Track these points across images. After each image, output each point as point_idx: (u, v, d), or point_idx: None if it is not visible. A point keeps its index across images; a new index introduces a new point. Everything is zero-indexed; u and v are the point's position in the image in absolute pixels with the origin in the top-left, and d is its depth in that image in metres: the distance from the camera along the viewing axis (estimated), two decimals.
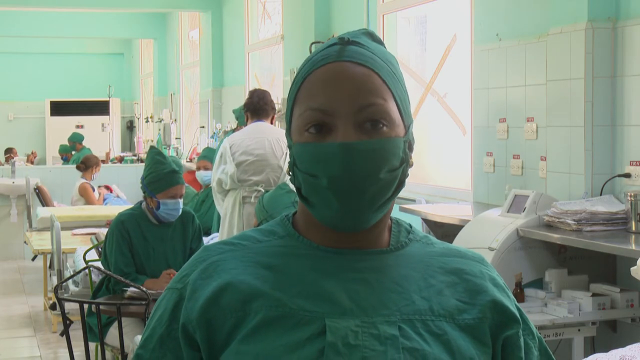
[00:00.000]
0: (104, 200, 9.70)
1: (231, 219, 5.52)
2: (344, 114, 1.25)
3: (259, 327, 1.23)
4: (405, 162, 1.28)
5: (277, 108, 7.83)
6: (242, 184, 5.53)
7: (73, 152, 12.93)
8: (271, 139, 5.68)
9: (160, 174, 4.68)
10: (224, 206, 5.64)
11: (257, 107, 5.80)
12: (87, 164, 9.70)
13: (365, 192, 1.24)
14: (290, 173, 1.31)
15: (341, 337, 1.22)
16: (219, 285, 1.26)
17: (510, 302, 1.33)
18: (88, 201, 9.50)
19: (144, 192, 4.74)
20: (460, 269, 1.33)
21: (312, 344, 1.22)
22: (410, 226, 1.38)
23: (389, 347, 1.22)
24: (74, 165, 10.30)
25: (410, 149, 1.30)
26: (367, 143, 1.24)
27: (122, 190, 10.28)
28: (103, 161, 12.61)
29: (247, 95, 6.00)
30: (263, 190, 5.36)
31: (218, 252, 1.32)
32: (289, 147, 1.31)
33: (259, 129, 5.72)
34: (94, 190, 9.62)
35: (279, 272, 1.28)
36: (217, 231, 6.64)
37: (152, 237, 4.72)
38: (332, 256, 1.29)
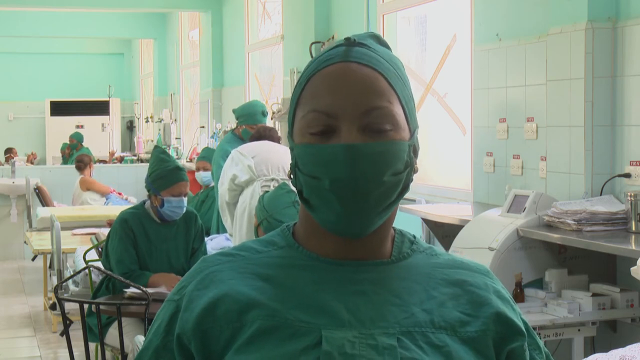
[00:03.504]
0: (106, 199, 9.73)
1: (250, 211, 5.45)
2: (349, 116, 1.22)
3: (255, 337, 1.21)
4: (410, 167, 1.26)
5: (276, 108, 7.87)
6: (260, 174, 5.47)
7: (74, 151, 12.96)
8: (282, 145, 5.73)
9: (165, 171, 4.70)
10: (240, 201, 5.55)
11: (262, 134, 5.83)
12: (83, 162, 9.94)
13: (368, 195, 1.21)
14: (292, 175, 1.28)
15: (337, 346, 1.19)
16: (215, 296, 1.24)
17: (515, 315, 1.30)
18: (97, 189, 9.61)
19: (148, 191, 4.75)
20: (464, 280, 1.30)
21: (307, 354, 1.19)
22: (415, 237, 1.35)
23: (387, 357, 1.20)
24: (74, 165, 10.36)
25: (415, 153, 1.28)
26: (372, 145, 1.21)
27: (121, 190, 10.28)
28: (105, 161, 12.67)
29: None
30: (280, 181, 5.32)
31: (216, 263, 1.29)
32: (291, 149, 1.28)
33: (266, 141, 5.73)
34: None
35: (276, 283, 1.26)
36: (217, 232, 6.63)
37: (154, 236, 4.73)
38: (331, 267, 1.27)
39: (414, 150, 1.28)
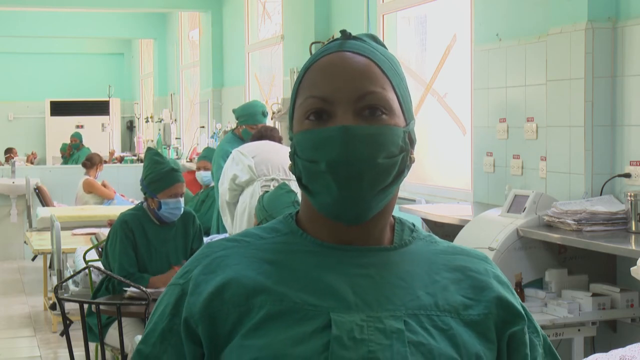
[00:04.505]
0: (109, 201, 9.71)
1: (250, 211, 5.45)
2: (344, 101, 1.26)
3: (263, 321, 1.23)
4: (405, 152, 1.28)
5: (276, 108, 7.86)
6: (260, 174, 5.47)
7: (75, 150, 12.96)
8: (283, 145, 5.73)
9: (160, 173, 4.69)
10: (240, 201, 5.56)
11: (264, 134, 5.83)
12: (92, 162, 9.84)
13: (363, 177, 1.24)
14: (292, 165, 1.30)
15: (346, 330, 1.22)
16: (222, 280, 1.27)
17: (515, 299, 1.33)
18: (99, 193, 9.59)
19: (144, 193, 4.74)
20: (465, 266, 1.33)
21: (317, 337, 1.22)
22: (414, 225, 1.39)
23: (394, 341, 1.22)
24: (74, 165, 10.35)
25: (412, 142, 1.30)
26: (366, 128, 1.25)
27: (121, 190, 10.27)
28: (105, 161, 12.66)
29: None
30: (280, 181, 5.33)
31: (221, 248, 1.32)
32: (290, 139, 1.31)
33: (266, 141, 5.73)
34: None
35: (282, 267, 1.28)
36: (217, 232, 6.63)
37: (154, 237, 4.72)
38: (335, 252, 1.29)
39: (410, 138, 1.30)
